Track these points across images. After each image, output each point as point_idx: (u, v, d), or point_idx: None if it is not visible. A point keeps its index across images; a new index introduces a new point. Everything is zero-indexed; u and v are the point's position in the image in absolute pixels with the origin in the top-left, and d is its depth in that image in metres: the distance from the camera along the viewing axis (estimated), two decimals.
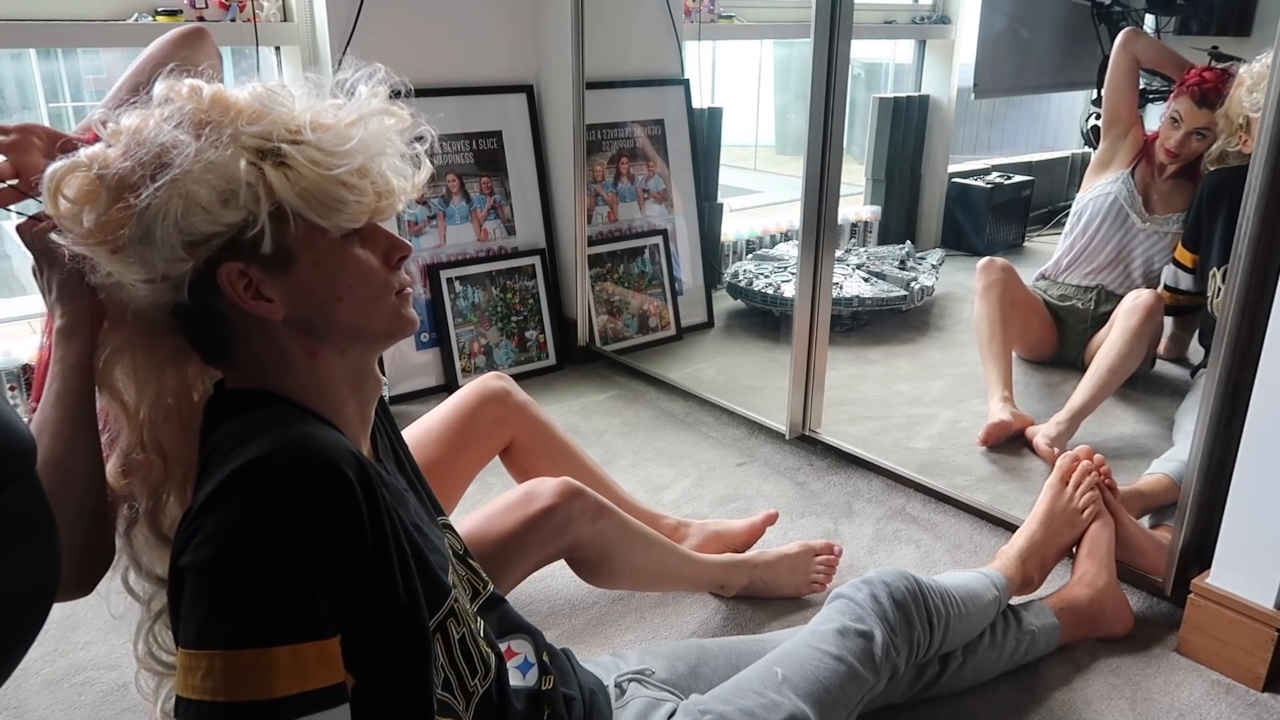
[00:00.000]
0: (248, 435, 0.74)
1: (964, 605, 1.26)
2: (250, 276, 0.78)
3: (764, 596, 1.57)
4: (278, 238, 0.77)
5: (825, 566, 1.59)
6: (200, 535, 0.69)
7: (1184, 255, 2.29)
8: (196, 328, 0.82)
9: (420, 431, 1.45)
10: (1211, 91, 2.23)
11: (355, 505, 0.72)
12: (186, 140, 0.75)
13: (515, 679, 0.97)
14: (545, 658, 1.03)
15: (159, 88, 0.81)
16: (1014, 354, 2.48)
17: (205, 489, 0.71)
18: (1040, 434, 2.10)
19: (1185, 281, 2.30)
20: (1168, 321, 2.49)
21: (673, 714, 1.05)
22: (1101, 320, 2.43)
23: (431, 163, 0.87)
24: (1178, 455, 1.86)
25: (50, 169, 0.78)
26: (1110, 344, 2.22)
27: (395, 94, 0.85)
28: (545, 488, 1.30)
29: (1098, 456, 1.58)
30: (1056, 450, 2.05)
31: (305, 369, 0.82)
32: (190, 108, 0.77)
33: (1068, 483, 1.56)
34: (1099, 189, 2.50)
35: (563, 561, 1.57)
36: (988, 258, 2.42)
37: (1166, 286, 2.35)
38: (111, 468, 0.84)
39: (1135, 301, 2.23)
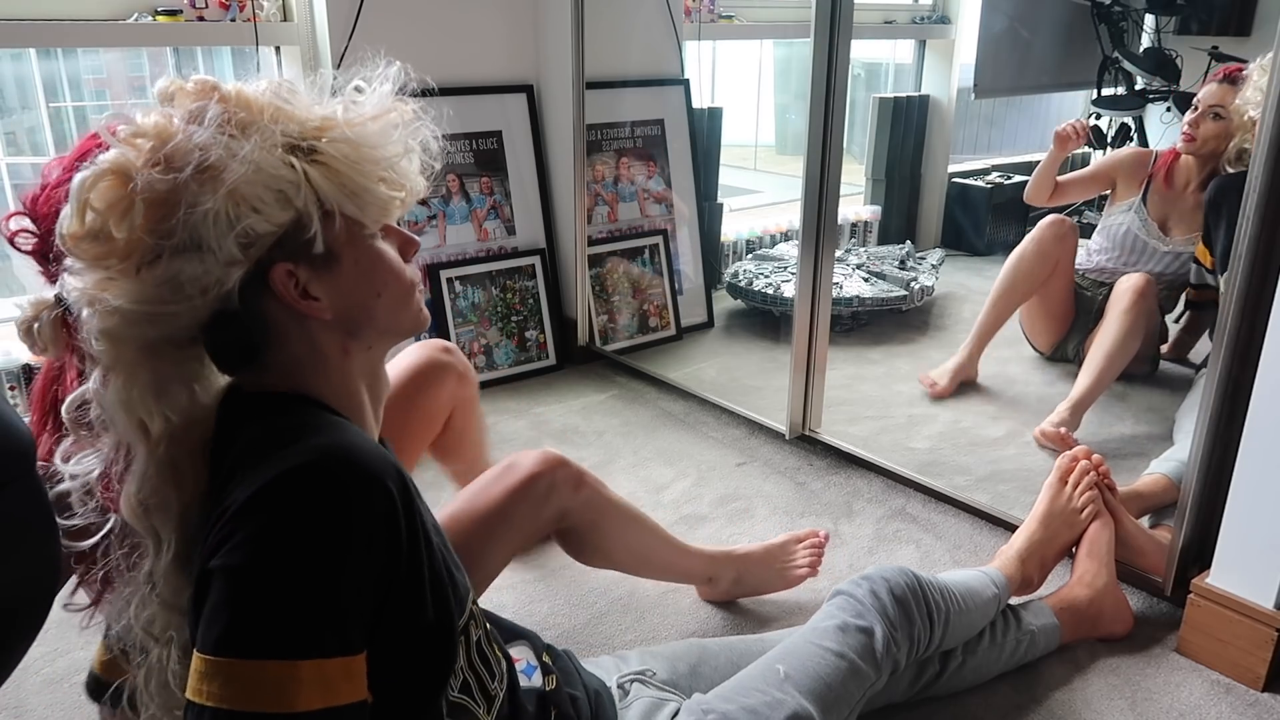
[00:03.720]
0: (288, 439, 0.72)
1: (963, 601, 1.26)
2: (298, 277, 0.77)
3: (754, 594, 1.56)
4: (325, 236, 0.76)
5: (811, 551, 1.56)
6: (236, 539, 0.67)
7: (1203, 254, 2.29)
8: (231, 334, 0.78)
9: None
10: (1233, 70, 2.23)
11: (395, 521, 0.71)
12: (221, 140, 0.72)
13: (521, 682, 0.97)
14: (546, 659, 1.03)
15: (161, 84, 0.78)
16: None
17: (243, 491, 0.69)
18: (1048, 424, 2.13)
19: (1208, 278, 2.29)
20: (1174, 323, 2.49)
21: (676, 713, 1.05)
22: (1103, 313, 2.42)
23: (437, 161, 0.87)
24: (1175, 455, 1.86)
25: (78, 178, 0.73)
26: (1104, 330, 2.24)
27: (413, 91, 0.85)
28: (526, 457, 1.28)
29: (1096, 456, 1.58)
30: (1064, 430, 2.08)
31: (337, 369, 0.82)
32: (217, 107, 0.74)
33: (1066, 482, 1.56)
34: (1113, 219, 2.51)
35: (561, 563, 1.57)
36: (1054, 216, 2.43)
37: (1191, 285, 2.35)
38: (129, 502, 0.78)
39: (1124, 284, 2.25)
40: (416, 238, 0.87)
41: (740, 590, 1.55)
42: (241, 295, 0.75)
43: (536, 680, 0.99)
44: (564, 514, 1.30)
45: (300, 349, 0.80)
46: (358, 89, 0.82)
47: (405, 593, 0.73)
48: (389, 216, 0.81)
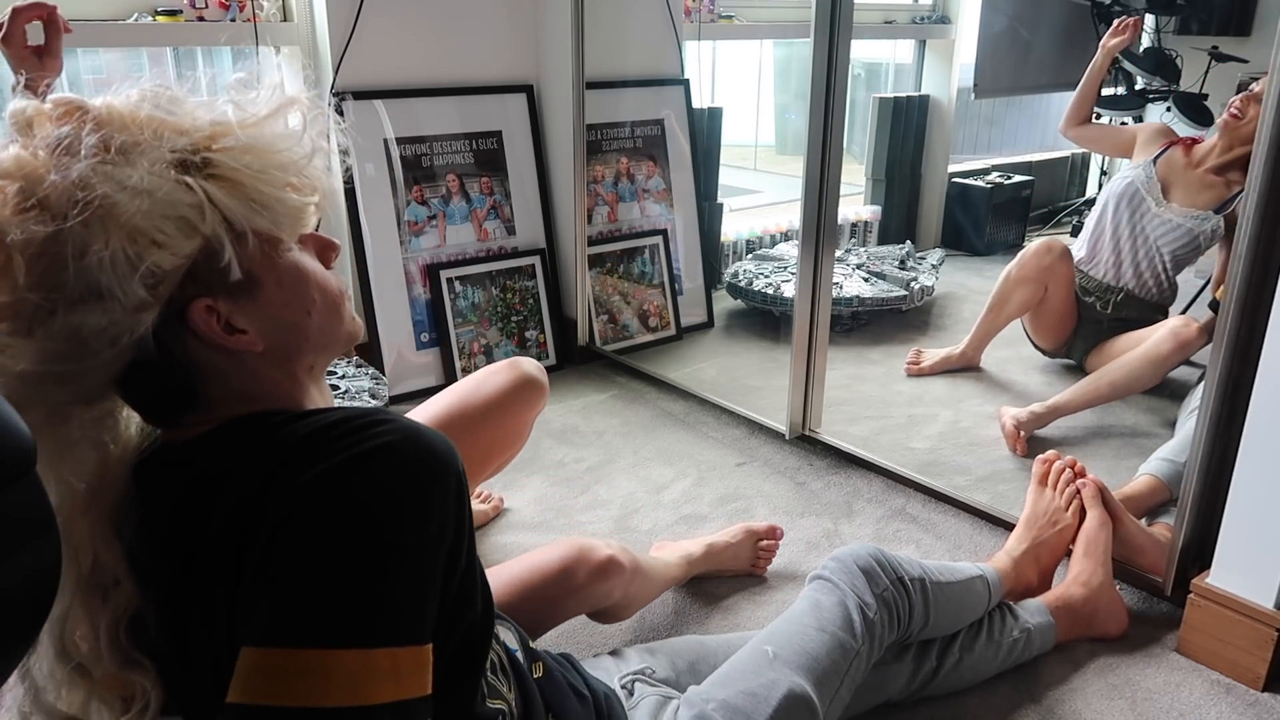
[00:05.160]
0: (348, 428, 0.65)
1: (939, 573, 1.28)
2: (219, 311, 0.69)
3: (712, 576, 1.62)
4: (241, 260, 0.69)
5: (766, 550, 1.64)
6: (305, 517, 0.62)
7: None
8: (155, 385, 0.71)
9: (451, 409, 1.35)
10: None
11: (463, 508, 0.68)
12: (103, 171, 0.64)
13: None
14: (532, 645, 1.02)
15: (14, 108, 0.67)
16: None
17: (311, 471, 0.63)
18: (1010, 415, 2.15)
19: None
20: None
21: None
22: (1115, 325, 2.41)
23: (348, 154, 0.80)
24: (1162, 454, 1.86)
25: None
26: (1126, 359, 2.19)
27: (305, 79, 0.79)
28: (588, 566, 1.24)
29: (1069, 457, 1.61)
30: (1022, 434, 2.11)
31: (292, 393, 0.76)
32: (90, 133, 0.65)
33: (1045, 484, 1.60)
34: (1122, 174, 2.53)
35: None
36: (1049, 240, 2.45)
37: None
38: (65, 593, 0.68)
39: (1177, 329, 2.15)
40: (335, 240, 0.79)
41: (699, 574, 1.61)
42: (158, 339, 0.67)
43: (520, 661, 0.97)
44: (609, 606, 1.32)
45: (241, 383, 0.73)
46: (242, 83, 0.73)
47: (464, 582, 0.70)
48: (305, 225, 0.74)
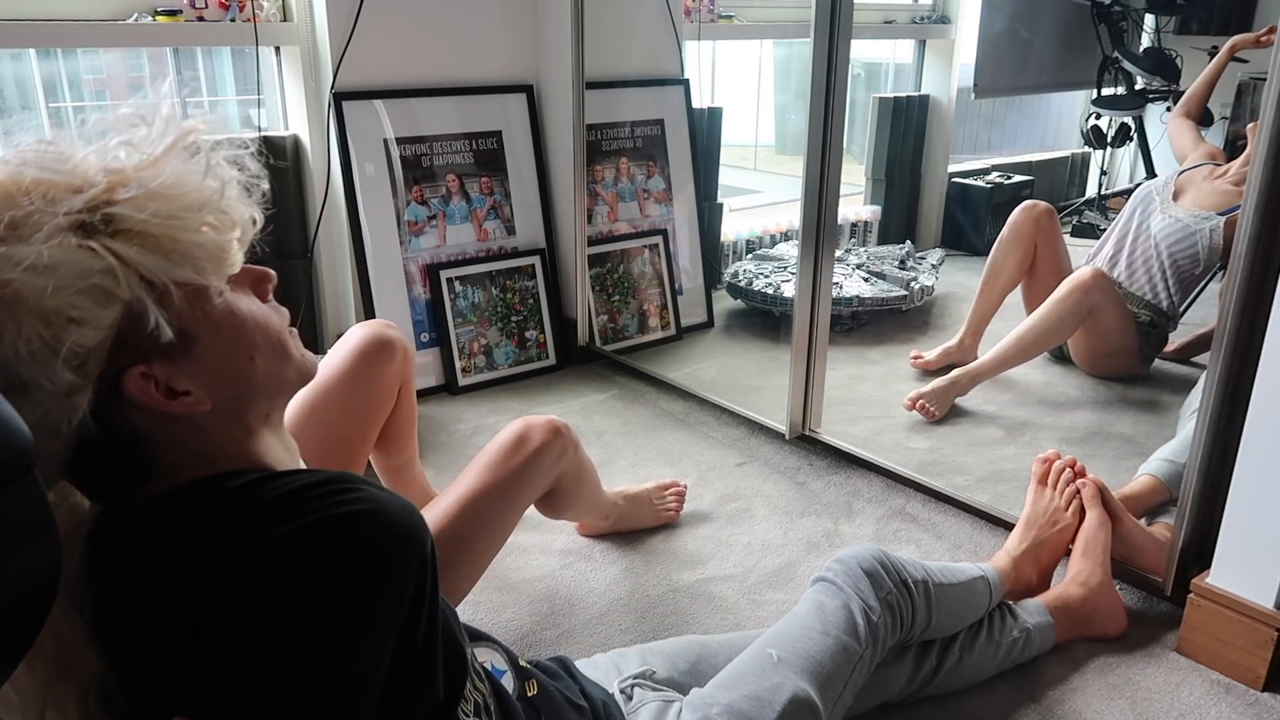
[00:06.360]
0: (316, 493, 0.63)
1: (942, 575, 1.28)
2: (156, 376, 0.65)
3: (629, 529, 1.73)
4: (169, 317, 0.64)
5: (675, 498, 1.78)
6: (271, 570, 0.59)
7: None
8: (103, 465, 0.67)
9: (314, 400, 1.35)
10: None
11: (424, 582, 0.65)
12: None
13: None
14: (523, 664, 1.00)
15: None
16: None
17: (286, 526, 0.60)
18: (912, 394, 2.24)
19: None
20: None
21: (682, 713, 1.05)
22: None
23: (262, 179, 0.72)
24: (1162, 455, 1.86)
25: None
26: (1034, 313, 2.27)
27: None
28: (536, 429, 1.33)
29: (1069, 456, 1.62)
30: (921, 403, 2.20)
31: (250, 449, 0.73)
32: None
33: (1045, 483, 1.60)
34: (1147, 182, 2.58)
35: (561, 563, 1.58)
36: (1032, 201, 2.51)
37: None
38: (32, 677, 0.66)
39: (1073, 275, 2.28)
40: (269, 270, 0.73)
41: (620, 525, 1.72)
42: (97, 418, 0.63)
43: (508, 683, 0.95)
44: (562, 476, 1.37)
45: (196, 444, 0.69)
46: (132, 119, 0.67)
47: (421, 658, 0.67)
48: (232, 265, 0.68)
